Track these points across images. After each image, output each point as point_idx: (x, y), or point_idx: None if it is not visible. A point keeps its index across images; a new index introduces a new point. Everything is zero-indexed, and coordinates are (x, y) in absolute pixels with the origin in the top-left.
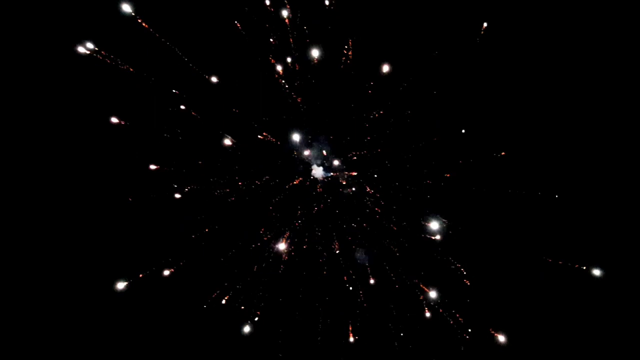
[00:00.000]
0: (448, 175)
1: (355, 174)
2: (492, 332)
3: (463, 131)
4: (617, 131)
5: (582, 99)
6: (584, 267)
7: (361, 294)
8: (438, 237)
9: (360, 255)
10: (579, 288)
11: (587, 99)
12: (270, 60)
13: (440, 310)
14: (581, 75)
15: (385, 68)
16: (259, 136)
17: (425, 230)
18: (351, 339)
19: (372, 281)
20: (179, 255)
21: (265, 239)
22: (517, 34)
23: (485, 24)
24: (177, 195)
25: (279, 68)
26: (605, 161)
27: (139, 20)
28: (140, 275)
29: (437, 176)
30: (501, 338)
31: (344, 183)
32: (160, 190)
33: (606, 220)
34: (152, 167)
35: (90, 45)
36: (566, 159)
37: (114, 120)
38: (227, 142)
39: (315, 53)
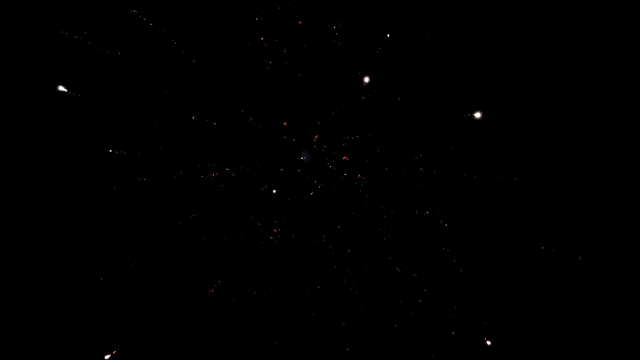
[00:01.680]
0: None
1: (347, 158)
2: (487, 324)
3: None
4: (619, 124)
5: (586, 83)
6: (580, 258)
7: (353, 284)
8: (433, 225)
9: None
10: (577, 282)
11: (590, 84)
12: (260, 43)
13: (433, 300)
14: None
15: (391, 39)
16: (247, 121)
17: (418, 219)
18: (346, 347)
19: (364, 274)
20: (165, 245)
21: (256, 226)
22: (512, 23)
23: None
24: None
25: (264, 41)
26: (608, 153)
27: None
28: (132, 265)
29: (429, 165)
30: (497, 332)
31: (335, 169)
32: (146, 178)
33: (606, 213)
34: (114, 154)
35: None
36: (567, 149)
37: (61, 88)
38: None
39: (307, 38)
